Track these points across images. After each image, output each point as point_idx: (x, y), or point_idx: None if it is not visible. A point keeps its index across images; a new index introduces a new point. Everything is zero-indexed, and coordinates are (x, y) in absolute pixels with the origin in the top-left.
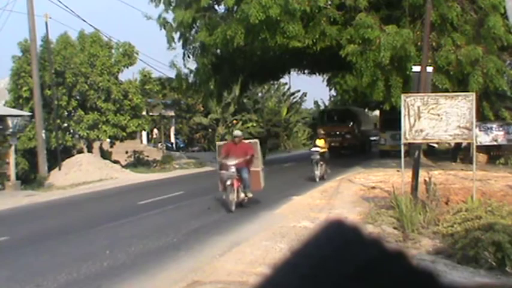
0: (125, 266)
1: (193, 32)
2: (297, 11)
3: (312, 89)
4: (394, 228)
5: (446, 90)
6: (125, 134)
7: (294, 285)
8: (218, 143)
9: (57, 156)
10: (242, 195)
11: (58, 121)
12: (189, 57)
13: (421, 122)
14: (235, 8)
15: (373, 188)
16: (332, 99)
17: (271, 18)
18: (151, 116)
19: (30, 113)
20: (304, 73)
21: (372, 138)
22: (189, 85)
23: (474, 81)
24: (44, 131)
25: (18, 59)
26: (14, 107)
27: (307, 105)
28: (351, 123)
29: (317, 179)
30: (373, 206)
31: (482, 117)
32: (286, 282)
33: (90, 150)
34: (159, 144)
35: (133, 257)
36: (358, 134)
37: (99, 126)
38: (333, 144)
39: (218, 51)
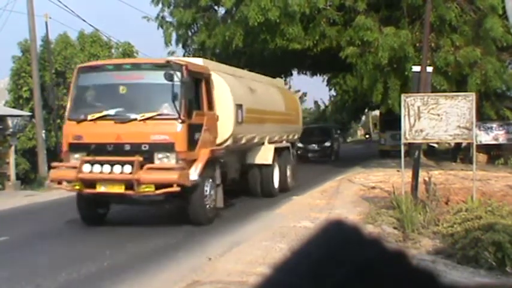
0: (125, 266)
1: (192, 32)
2: (297, 13)
3: (312, 89)
4: (394, 228)
5: (445, 92)
6: None
7: (294, 285)
8: None
9: (57, 156)
10: None
11: (58, 121)
12: (184, 56)
13: (421, 122)
14: (234, 9)
15: (373, 188)
16: (332, 99)
17: (270, 20)
18: None
19: (30, 113)
20: (305, 74)
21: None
22: None
23: (472, 82)
24: (44, 131)
25: (18, 59)
26: (14, 107)
27: (307, 105)
28: (179, 119)
29: None
30: (373, 206)
31: (482, 117)
32: (286, 282)
33: None
34: None
35: (133, 257)
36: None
37: None
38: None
39: (217, 51)
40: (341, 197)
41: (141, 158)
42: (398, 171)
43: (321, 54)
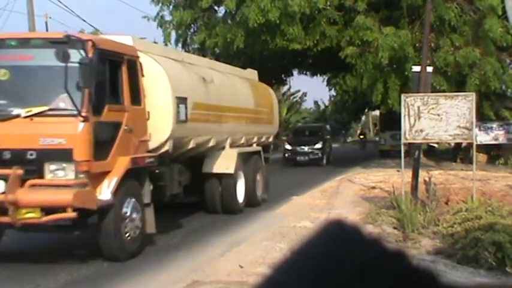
0: (125, 266)
1: (192, 31)
2: (297, 13)
3: (312, 89)
4: (394, 228)
5: (444, 92)
6: None
7: (294, 285)
8: None
9: None
10: None
11: None
12: None
13: (421, 122)
14: (235, 10)
15: (373, 188)
16: (332, 99)
17: (270, 21)
18: None
19: None
20: (305, 74)
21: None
22: None
23: (471, 83)
24: None
25: None
26: None
27: (307, 105)
28: None
29: None
30: (373, 206)
31: (481, 118)
32: (286, 282)
33: None
34: None
35: (133, 257)
36: None
37: None
38: None
39: (217, 51)
40: (341, 197)
41: (21, 171)
42: (398, 171)
43: (321, 54)
